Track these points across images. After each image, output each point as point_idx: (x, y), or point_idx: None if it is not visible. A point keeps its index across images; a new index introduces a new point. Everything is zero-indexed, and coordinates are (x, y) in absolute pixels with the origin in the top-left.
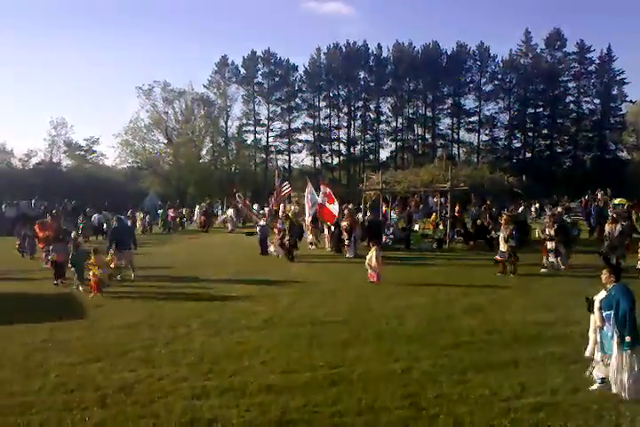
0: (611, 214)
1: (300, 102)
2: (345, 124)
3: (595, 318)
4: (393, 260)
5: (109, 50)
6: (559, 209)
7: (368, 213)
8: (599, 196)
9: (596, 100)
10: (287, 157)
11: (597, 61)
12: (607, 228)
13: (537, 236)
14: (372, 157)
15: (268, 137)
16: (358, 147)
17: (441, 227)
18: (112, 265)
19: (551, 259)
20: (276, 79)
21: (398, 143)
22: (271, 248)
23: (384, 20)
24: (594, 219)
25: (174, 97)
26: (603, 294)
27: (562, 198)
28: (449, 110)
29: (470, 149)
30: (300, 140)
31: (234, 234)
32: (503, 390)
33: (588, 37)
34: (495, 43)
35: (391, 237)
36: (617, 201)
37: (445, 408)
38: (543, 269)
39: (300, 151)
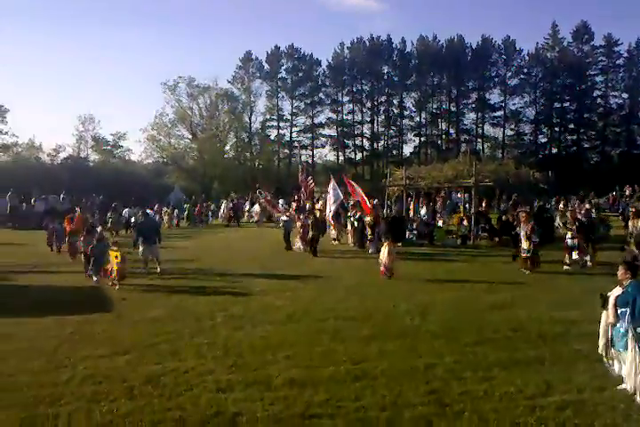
0: (632, 210)
1: (323, 97)
2: (368, 120)
3: (607, 315)
4: (417, 255)
5: (135, 47)
6: (587, 206)
7: (392, 209)
8: (627, 192)
9: (625, 95)
10: (310, 153)
11: (626, 55)
12: (630, 223)
13: (560, 231)
14: (395, 152)
15: (291, 132)
16: (381, 142)
17: (465, 223)
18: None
19: (575, 256)
20: (300, 74)
21: (422, 138)
22: (297, 244)
23: (408, 14)
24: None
25: (199, 92)
26: (618, 290)
27: (589, 194)
28: (473, 105)
29: (495, 144)
30: (323, 136)
31: (259, 228)
32: (528, 388)
33: (616, 31)
34: (521, 36)
35: (415, 232)
36: None
37: (470, 405)
38: (566, 267)
39: (323, 146)
